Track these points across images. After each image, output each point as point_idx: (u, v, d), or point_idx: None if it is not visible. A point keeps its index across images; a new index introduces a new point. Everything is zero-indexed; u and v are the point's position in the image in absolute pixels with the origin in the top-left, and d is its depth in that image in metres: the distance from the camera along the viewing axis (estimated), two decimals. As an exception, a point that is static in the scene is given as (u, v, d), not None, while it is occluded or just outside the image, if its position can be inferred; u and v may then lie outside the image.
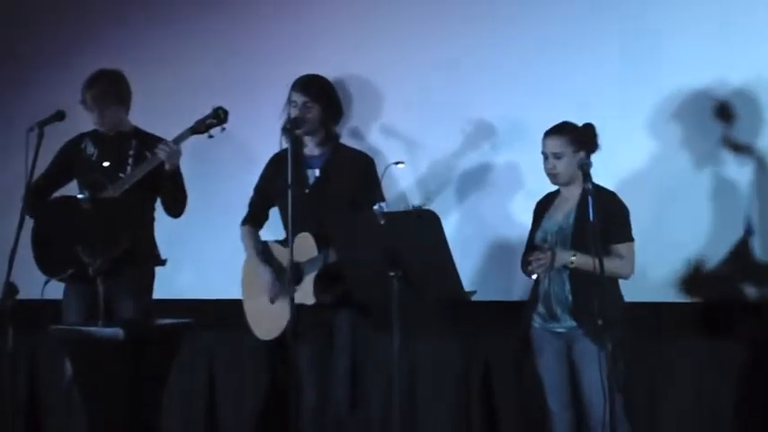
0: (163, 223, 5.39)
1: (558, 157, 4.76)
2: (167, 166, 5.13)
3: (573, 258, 4.60)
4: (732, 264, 5.22)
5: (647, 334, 5.15)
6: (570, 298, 4.69)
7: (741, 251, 5.19)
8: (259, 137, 5.71)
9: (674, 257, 5.28)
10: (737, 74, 5.19)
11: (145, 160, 5.18)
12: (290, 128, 4.83)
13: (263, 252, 5.12)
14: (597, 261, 4.35)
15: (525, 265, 4.77)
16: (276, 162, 5.08)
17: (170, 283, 5.57)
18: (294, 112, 4.99)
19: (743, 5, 5.22)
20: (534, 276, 4.73)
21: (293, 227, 4.71)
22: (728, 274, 5.23)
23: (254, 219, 5.21)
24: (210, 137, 5.18)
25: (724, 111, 5.22)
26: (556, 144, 4.77)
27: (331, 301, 4.92)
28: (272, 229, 5.24)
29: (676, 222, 5.28)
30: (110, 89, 5.33)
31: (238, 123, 5.38)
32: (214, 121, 5.16)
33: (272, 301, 5.02)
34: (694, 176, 5.29)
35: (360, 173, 5.06)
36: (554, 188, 4.89)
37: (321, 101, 5.06)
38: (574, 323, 4.68)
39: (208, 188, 5.85)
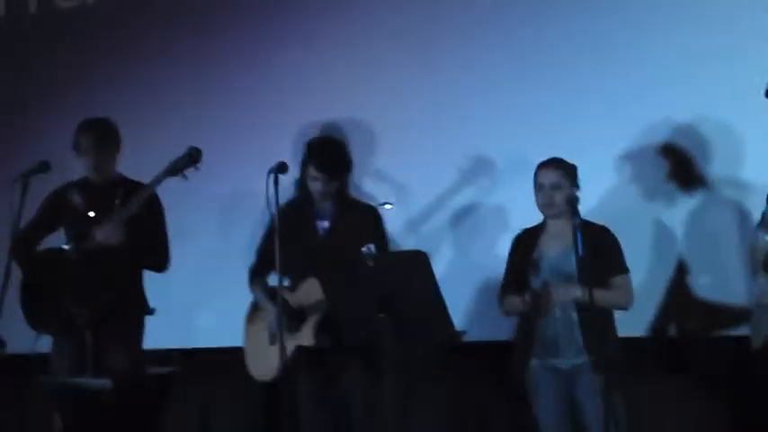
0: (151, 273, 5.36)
1: (555, 187, 4.76)
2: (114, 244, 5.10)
3: (579, 294, 4.56)
4: (672, 299, 5.22)
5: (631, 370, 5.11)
6: (580, 333, 4.66)
7: (677, 287, 5.20)
8: (242, 181, 5.70)
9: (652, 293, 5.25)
10: (685, 113, 5.23)
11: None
12: (277, 171, 4.80)
13: (271, 296, 5.11)
14: (598, 296, 4.39)
15: (511, 304, 4.75)
16: (281, 214, 5.09)
17: (161, 333, 5.52)
18: (315, 186, 5.07)
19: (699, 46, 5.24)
20: (536, 313, 4.68)
21: (298, 273, 4.88)
22: (670, 309, 5.23)
23: (263, 267, 5.23)
24: (185, 177, 5.14)
25: (669, 148, 5.26)
26: (554, 175, 4.77)
27: (330, 344, 4.91)
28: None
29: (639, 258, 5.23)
30: (107, 135, 5.33)
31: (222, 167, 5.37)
32: (188, 161, 5.12)
33: (272, 342, 5.00)
34: (641, 210, 5.30)
35: (367, 225, 5.10)
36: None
37: (338, 176, 5.13)
38: (580, 359, 4.65)
39: (189, 236, 5.81)
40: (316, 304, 4.94)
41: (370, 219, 5.16)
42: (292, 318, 4.95)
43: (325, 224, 5.16)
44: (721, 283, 5.15)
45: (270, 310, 5.08)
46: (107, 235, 5.06)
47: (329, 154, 5.17)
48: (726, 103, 5.13)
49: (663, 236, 5.26)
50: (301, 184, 5.16)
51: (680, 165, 5.26)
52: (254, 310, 5.22)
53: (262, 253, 5.26)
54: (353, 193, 5.35)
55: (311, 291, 4.96)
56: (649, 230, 5.29)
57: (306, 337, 4.93)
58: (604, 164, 5.34)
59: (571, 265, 4.63)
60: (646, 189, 5.32)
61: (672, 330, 5.26)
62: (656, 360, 5.25)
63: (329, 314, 4.85)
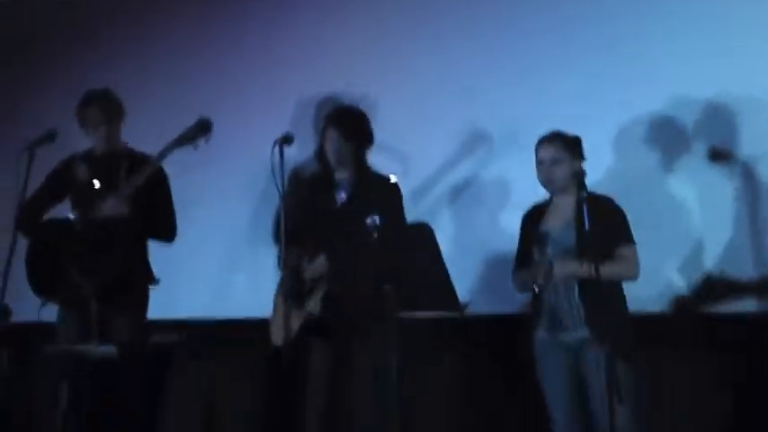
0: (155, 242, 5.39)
1: (555, 163, 4.75)
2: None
3: (580, 268, 4.58)
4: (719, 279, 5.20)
5: (646, 345, 5.12)
6: (581, 307, 4.67)
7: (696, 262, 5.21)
8: (248, 152, 5.73)
9: (662, 267, 5.27)
10: (712, 87, 5.21)
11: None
12: (281, 142, 4.82)
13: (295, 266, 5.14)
14: (602, 269, 4.37)
15: (521, 280, 4.78)
16: (291, 183, 5.08)
17: (164, 303, 5.54)
18: (330, 145, 5.08)
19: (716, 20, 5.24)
20: (536, 288, 4.71)
21: (315, 244, 4.87)
22: (719, 286, 5.21)
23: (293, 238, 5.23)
24: (195, 148, 5.16)
25: (677, 120, 5.27)
26: (553, 150, 4.77)
27: (333, 315, 4.93)
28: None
29: (667, 233, 5.27)
30: (111, 106, 5.35)
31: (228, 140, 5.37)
32: (198, 132, 5.15)
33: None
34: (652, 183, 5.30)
35: (385, 198, 5.09)
36: (540, 200, 4.89)
37: (356, 138, 5.14)
38: (584, 333, 4.66)
39: (195, 207, 5.84)
40: (324, 276, 4.97)
41: (388, 192, 5.15)
42: (303, 288, 4.97)
43: (343, 195, 5.17)
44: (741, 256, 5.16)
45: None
46: (113, 208, 5.09)
47: (347, 116, 5.21)
48: (737, 76, 5.14)
49: (677, 209, 5.26)
50: (320, 153, 5.17)
51: (685, 137, 5.27)
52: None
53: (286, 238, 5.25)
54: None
55: (322, 263, 5.00)
56: (664, 203, 5.28)
57: (314, 307, 4.96)
58: (608, 136, 5.35)
59: (572, 239, 4.65)
60: (653, 161, 5.32)
61: (689, 305, 5.25)
62: (674, 335, 5.24)
63: (332, 285, 4.88)
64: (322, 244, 4.99)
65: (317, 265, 5.00)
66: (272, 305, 5.16)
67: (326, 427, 5.07)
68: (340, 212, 5.12)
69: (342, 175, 5.19)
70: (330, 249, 4.93)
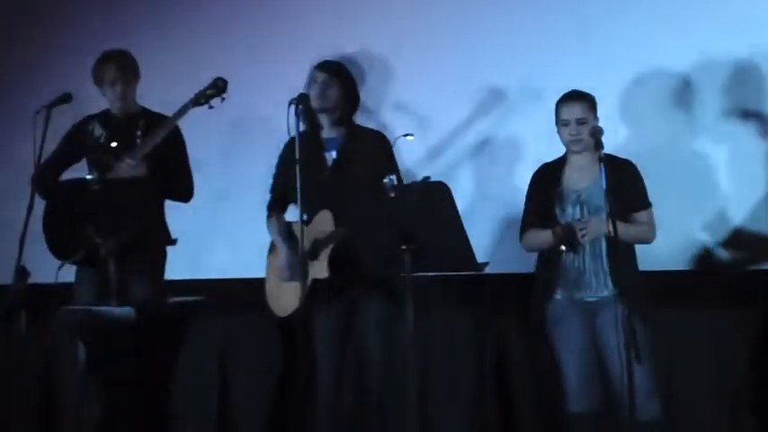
0: (170, 203, 5.39)
1: (582, 122, 4.72)
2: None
3: (609, 228, 4.54)
4: (747, 235, 5.19)
5: (665, 303, 5.11)
6: (608, 266, 4.66)
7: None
8: (261, 113, 5.77)
9: (687, 227, 5.26)
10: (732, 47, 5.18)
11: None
12: (298, 102, 4.81)
13: (285, 233, 5.14)
14: (625, 229, 4.42)
15: (538, 239, 4.77)
16: (291, 146, 5.09)
17: (181, 264, 5.55)
18: (315, 89, 5.08)
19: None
20: (565, 249, 4.69)
21: (310, 207, 4.82)
22: (744, 244, 5.21)
23: (279, 203, 5.26)
24: (211, 107, 5.17)
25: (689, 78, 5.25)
26: (580, 110, 4.73)
27: (346, 276, 4.91)
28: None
29: (687, 192, 5.26)
30: (127, 66, 5.36)
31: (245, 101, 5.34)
32: (213, 91, 5.16)
33: (290, 278, 5.01)
34: (706, 147, 5.27)
35: (376, 153, 5.10)
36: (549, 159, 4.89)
37: (341, 80, 5.15)
38: (606, 292, 4.65)
39: (210, 167, 5.83)
40: (328, 236, 4.94)
41: (377, 145, 5.15)
42: (305, 256, 4.90)
43: (333, 154, 5.15)
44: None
45: (282, 249, 5.10)
46: (130, 169, 5.09)
47: (332, 60, 5.26)
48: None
49: (702, 168, 5.25)
50: (307, 113, 5.10)
51: (711, 96, 5.24)
52: (273, 245, 5.24)
53: (274, 188, 5.28)
54: (372, 126, 5.36)
55: (323, 223, 4.97)
56: (689, 163, 5.27)
57: (320, 270, 4.93)
58: (629, 96, 5.33)
59: (600, 198, 4.58)
60: (678, 122, 5.31)
61: (713, 263, 5.27)
62: (693, 292, 5.23)
63: (344, 245, 4.84)
64: (318, 205, 4.96)
65: (319, 227, 4.96)
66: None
67: (338, 389, 5.08)
68: (331, 171, 5.10)
69: (330, 134, 5.17)
70: (338, 209, 4.90)
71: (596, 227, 4.61)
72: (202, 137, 5.64)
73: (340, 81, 5.15)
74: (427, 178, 4.44)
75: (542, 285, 4.83)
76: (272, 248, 5.23)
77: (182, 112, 5.15)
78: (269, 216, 5.25)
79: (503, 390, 5.55)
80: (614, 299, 4.59)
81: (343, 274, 4.92)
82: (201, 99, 5.15)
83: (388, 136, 5.25)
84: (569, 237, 4.65)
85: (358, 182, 4.96)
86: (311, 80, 5.16)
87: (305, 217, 4.83)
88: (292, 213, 5.18)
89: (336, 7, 5.99)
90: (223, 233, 6.09)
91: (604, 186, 4.37)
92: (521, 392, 5.52)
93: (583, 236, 4.62)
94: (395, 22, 5.83)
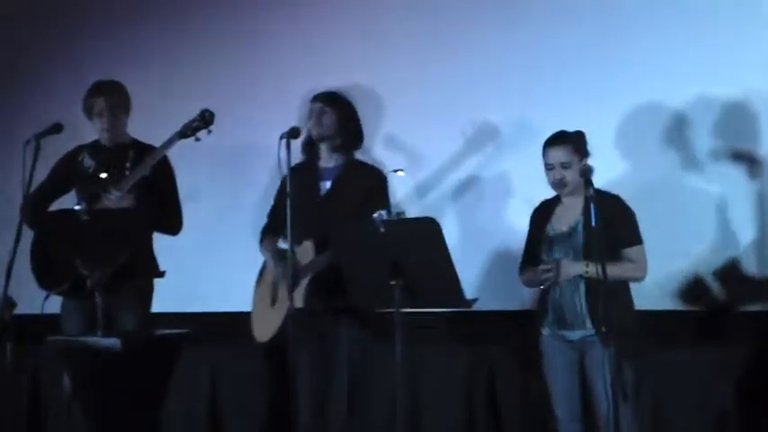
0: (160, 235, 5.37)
1: (565, 166, 4.72)
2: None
3: (587, 269, 4.55)
4: (732, 273, 5.22)
5: (654, 342, 5.11)
6: (585, 306, 4.65)
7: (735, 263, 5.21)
8: (250, 146, 5.76)
9: (676, 266, 5.27)
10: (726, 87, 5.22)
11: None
12: (287, 137, 4.81)
13: (278, 257, 5.15)
14: (610, 269, 4.37)
15: (528, 278, 4.78)
16: (291, 174, 5.09)
17: (169, 296, 5.53)
18: (312, 119, 5.13)
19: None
20: (542, 287, 4.69)
21: (297, 235, 4.79)
22: (726, 284, 5.23)
23: (273, 228, 5.27)
24: (197, 140, 5.15)
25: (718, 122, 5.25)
26: (562, 154, 4.73)
27: (322, 307, 4.92)
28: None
29: (677, 231, 5.27)
30: (119, 98, 5.35)
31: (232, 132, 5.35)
32: (200, 123, 5.14)
33: (273, 303, 5.02)
34: (696, 185, 5.30)
35: (370, 187, 5.10)
36: (549, 196, 4.88)
37: (336, 107, 5.17)
38: (587, 331, 4.65)
39: (199, 199, 5.81)
40: (307, 266, 4.95)
41: (373, 181, 5.15)
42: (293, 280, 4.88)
43: (327, 184, 5.16)
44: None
45: (275, 267, 5.10)
46: (116, 201, 5.07)
47: (327, 90, 5.26)
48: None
49: (692, 209, 5.28)
50: (307, 143, 5.18)
51: (703, 137, 5.28)
52: (262, 272, 5.24)
53: (271, 215, 5.30)
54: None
55: (304, 253, 4.98)
56: (678, 203, 5.31)
57: (296, 299, 4.87)
58: (622, 134, 5.35)
59: (580, 239, 4.64)
60: (670, 161, 5.34)
61: (702, 302, 5.29)
62: (679, 332, 5.26)
63: (322, 275, 4.87)
64: (306, 233, 4.96)
65: (301, 256, 4.96)
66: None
67: (318, 419, 5.06)
68: (322, 201, 5.12)
69: (328, 163, 5.18)
70: (323, 239, 4.89)
71: (567, 268, 4.62)
72: (191, 168, 5.63)
73: (335, 108, 5.17)
74: (400, 214, 4.41)
75: (534, 322, 4.84)
76: (260, 276, 5.23)
77: (168, 144, 5.14)
78: (262, 240, 5.28)
79: (493, 423, 5.55)
80: (601, 337, 4.57)
81: (322, 303, 4.93)
82: (188, 131, 5.13)
83: (378, 166, 5.26)
84: (542, 277, 4.68)
85: (345, 213, 4.97)
86: (309, 112, 5.19)
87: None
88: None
89: (328, 41, 6.01)
90: (212, 266, 6.06)
91: (594, 224, 4.37)
92: (511, 426, 5.51)
93: (546, 278, 4.63)
94: (387, 57, 5.84)
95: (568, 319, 4.71)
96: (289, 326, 4.71)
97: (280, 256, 5.14)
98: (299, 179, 4.84)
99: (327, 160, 5.21)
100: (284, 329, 4.81)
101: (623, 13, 5.43)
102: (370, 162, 5.36)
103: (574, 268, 4.62)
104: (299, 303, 4.90)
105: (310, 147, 5.20)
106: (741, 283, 5.20)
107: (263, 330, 5.10)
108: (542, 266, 4.68)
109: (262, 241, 5.29)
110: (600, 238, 4.37)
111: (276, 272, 5.10)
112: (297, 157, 5.02)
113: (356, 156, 5.31)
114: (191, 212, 5.41)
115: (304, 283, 4.95)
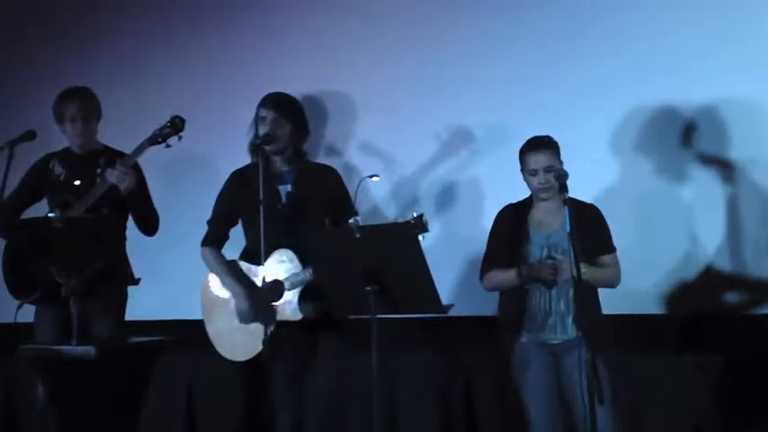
0: (134, 242, 5.34)
1: (549, 170, 4.71)
2: (122, 189, 5.07)
3: (585, 270, 4.55)
4: (708, 277, 5.22)
5: (632, 347, 5.12)
6: (572, 309, 4.65)
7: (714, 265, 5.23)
8: (224, 153, 5.74)
9: (654, 271, 5.28)
10: (701, 92, 5.23)
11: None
12: (260, 143, 4.78)
13: (232, 271, 5.01)
14: (591, 273, 4.46)
15: (498, 279, 4.77)
16: (239, 179, 5.02)
17: (142, 303, 5.50)
18: (264, 129, 4.94)
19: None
20: (545, 286, 4.70)
21: (267, 243, 4.66)
22: (705, 287, 5.24)
23: (217, 239, 5.10)
24: (168, 146, 5.12)
25: (690, 128, 5.26)
26: (546, 158, 4.72)
27: (316, 316, 4.85)
28: (231, 247, 5.14)
29: (654, 235, 5.28)
30: (91, 104, 5.32)
31: (204, 139, 5.36)
32: (171, 130, 5.11)
33: (247, 321, 4.93)
34: (669, 190, 5.31)
35: (332, 186, 5.04)
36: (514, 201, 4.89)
37: (291, 117, 5.02)
38: (570, 335, 4.66)
39: (174, 206, 5.77)
40: (293, 275, 4.84)
41: (332, 181, 5.08)
42: (268, 296, 4.82)
43: (288, 187, 5.01)
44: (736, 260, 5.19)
45: (239, 290, 4.93)
46: (119, 176, 5.03)
47: (279, 95, 5.07)
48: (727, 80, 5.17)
49: (666, 214, 5.30)
50: (255, 146, 4.96)
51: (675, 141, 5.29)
52: (209, 283, 5.09)
53: (215, 222, 5.10)
54: (338, 167, 5.30)
55: (286, 262, 4.86)
56: (652, 208, 5.32)
57: (292, 312, 4.83)
58: (594, 139, 5.37)
59: (566, 242, 4.62)
60: (643, 166, 5.35)
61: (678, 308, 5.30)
62: (655, 336, 5.28)
63: (312, 285, 4.77)
64: (273, 240, 4.76)
65: (280, 265, 4.85)
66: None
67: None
68: (287, 206, 4.98)
69: (282, 167, 5.04)
70: (296, 246, 4.82)
71: (567, 268, 4.61)
72: (165, 175, 5.60)
73: (288, 118, 4.99)
74: (356, 221, 4.36)
75: (508, 328, 4.81)
76: (207, 286, 5.09)
77: (139, 150, 5.11)
78: (205, 249, 5.08)
79: (470, 428, 5.54)
80: (578, 341, 4.57)
81: (314, 315, 4.87)
82: (159, 138, 5.11)
83: (354, 176, 5.22)
84: (541, 276, 4.65)
85: (314, 216, 4.91)
86: (257, 118, 5.00)
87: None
88: (229, 248, 5.08)
89: (303, 47, 5.99)
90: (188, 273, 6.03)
91: (568, 230, 4.36)
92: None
93: (554, 276, 4.63)
94: (363, 62, 5.84)
95: (551, 323, 4.70)
96: (267, 343, 4.66)
97: (234, 271, 4.99)
98: (251, 185, 4.73)
99: (281, 164, 5.04)
100: (271, 345, 4.69)
101: (594, 18, 5.44)
102: (335, 167, 5.25)
103: (570, 269, 4.57)
104: (295, 315, 4.82)
105: (259, 150, 4.88)
106: (720, 286, 5.21)
107: (235, 349, 4.95)
108: (543, 267, 4.66)
109: (206, 252, 5.08)
110: (585, 241, 4.40)
111: (249, 295, 4.90)
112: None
113: (328, 161, 5.29)
114: (167, 220, 5.38)
115: (293, 294, 4.84)
